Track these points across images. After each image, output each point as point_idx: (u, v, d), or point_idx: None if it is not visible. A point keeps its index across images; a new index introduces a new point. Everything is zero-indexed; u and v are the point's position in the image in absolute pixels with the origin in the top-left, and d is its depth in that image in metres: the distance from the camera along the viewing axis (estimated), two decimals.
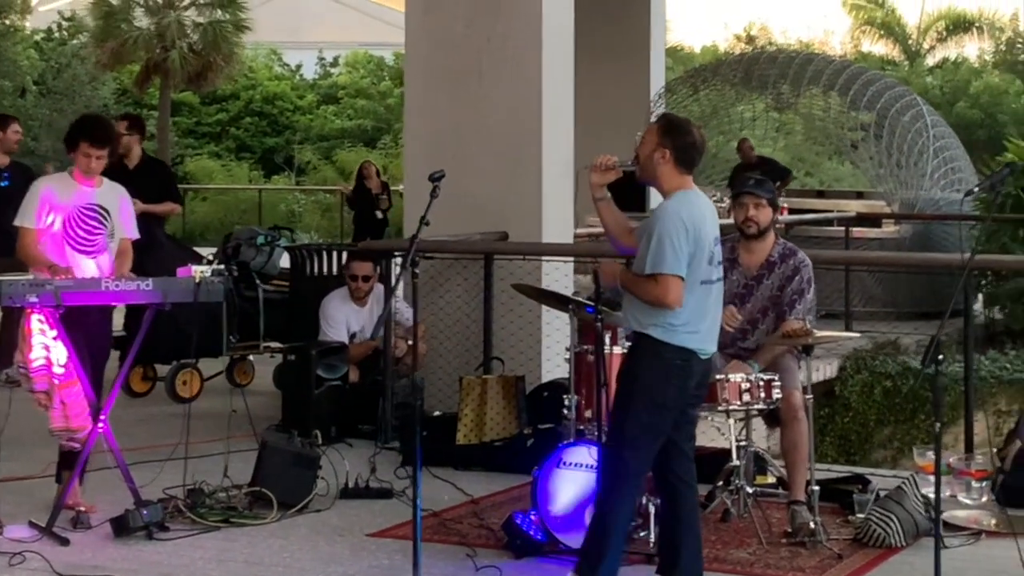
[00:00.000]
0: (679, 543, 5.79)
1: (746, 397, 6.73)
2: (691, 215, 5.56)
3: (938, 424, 5.40)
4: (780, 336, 6.91)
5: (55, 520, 6.73)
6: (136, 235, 7.38)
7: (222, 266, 7.25)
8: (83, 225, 7.04)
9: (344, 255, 10.82)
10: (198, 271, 6.90)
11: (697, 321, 5.60)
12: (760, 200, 7.07)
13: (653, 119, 17.82)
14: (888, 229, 16.18)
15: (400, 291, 9.84)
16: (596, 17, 17.82)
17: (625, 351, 7.06)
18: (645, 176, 5.76)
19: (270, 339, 10.98)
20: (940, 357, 5.30)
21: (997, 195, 5.55)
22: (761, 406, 6.81)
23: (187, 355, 9.95)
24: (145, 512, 6.68)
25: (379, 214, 18.30)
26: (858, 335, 10.25)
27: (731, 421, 6.93)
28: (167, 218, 10.71)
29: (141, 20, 34.50)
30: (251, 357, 11.27)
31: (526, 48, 9.71)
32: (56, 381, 6.68)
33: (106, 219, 7.10)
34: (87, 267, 7.01)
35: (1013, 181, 15.09)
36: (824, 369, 12.70)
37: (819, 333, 6.91)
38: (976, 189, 5.73)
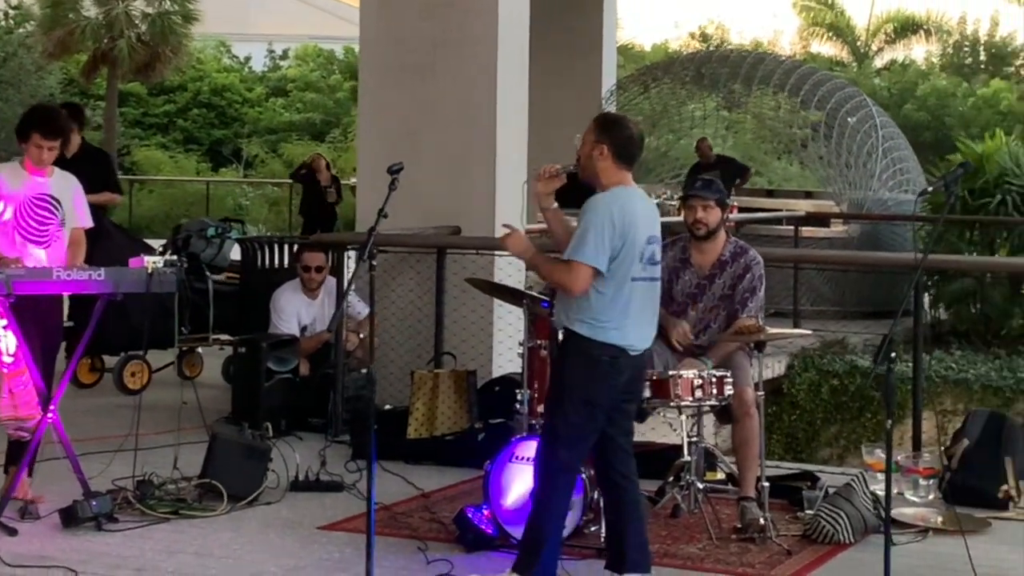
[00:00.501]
0: (624, 538, 5.83)
1: (698, 393, 6.76)
2: (622, 211, 5.58)
3: (889, 422, 5.44)
4: (733, 333, 6.95)
5: (3, 510, 6.66)
6: (90, 223, 7.33)
7: (175, 257, 7.17)
8: (34, 215, 6.99)
9: (295, 248, 10.77)
10: (151, 261, 6.85)
11: (624, 318, 5.62)
12: (708, 202, 7.10)
13: None
14: (837, 229, 16.30)
15: (352, 284, 9.80)
16: (549, 15, 17.80)
17: None
18: (586, 175, 5.79)
19: (219, 331, 10.95)
20: (892, 355, 5.33)
21: (951, 195, 5.58)
22: (713, 402, 6.84)
23: (136, 347, 9.89)
24: (94, 503, 6.64)
25: (326, 207, 18.22)
26: (809, 333, 10.31)
27: (683, 417, 6.96)
28: (109, 208, 10.58)
29: (89, 10, 34.19)
30: (200, 349, 11.20)
31: (481, 43, 9.71)
32: (4, 370, 6.62)
33: (57, 208, 7.05)
34: (38, 257, 6.96)
35: (964, 182, 15.26)
36: (772, 367, 12.76)
37: (771, 330, 6.97)
38: (931, 189, 5.76)
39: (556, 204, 5.99)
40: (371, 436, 5.43)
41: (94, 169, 9.90)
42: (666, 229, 11.83)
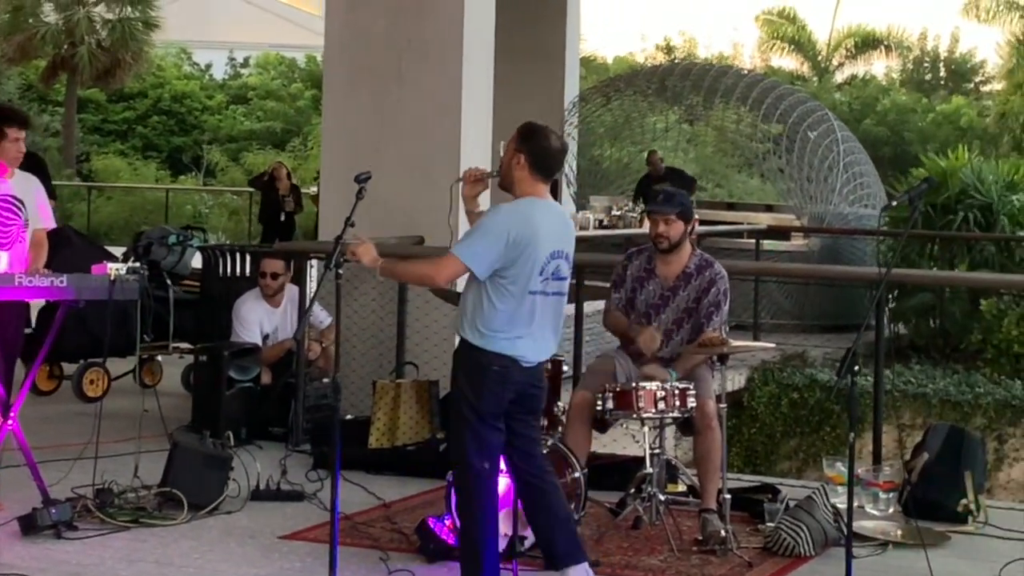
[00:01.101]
0: (552, 533, 5.79)
1: (661, 405, 6.77)
2: (522, 224, 5.50)
3: (852, 435, 5.46)
4: (697, 345, 6.96)
5: None
6: (52, 224, 7.30)
7: (138, 264, 7.14)
8: None
9: (258, 256, 10.73)
10: (113, 268, 6.81)
11: (518, 328, 5.55)
12: (668, 216, 7.11)
13: (567, 128, 18.03)
14: (797, 242, 16.37)
15: (312, 293, 9.78)
16: (511, 26, 17.79)
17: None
18: (505, 182, 5.72)
19: (179, 340, 10.89)
20: (856, 368, 5.36)
21: (915, 209, 5.61)
22: (676, 414, 6.85)
23: (95, 354, 9.83)
24: (53, 511, 6.58)
25: (283, 216, 18.20)
26: (772, 346, 10.35)
27: (646, 429, 6.96)
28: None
29: (49, 15, 34.04)
30: (159, 357, 11.14)
31: (447, 50, 9.72)
32: None
33: (20, 209, 7.00)
34: (1, 260, 6.91)
35: (926, 198, 15.35)
36: (733, 380, 12.79)
37: (735, 343, 6.99)
38: (895, 203, 5.79)
39: (481, 207, 5.98)
40: (336, 445, 5.40)
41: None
42: (629, 240, 11.87)
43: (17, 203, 6.99)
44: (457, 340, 5.71)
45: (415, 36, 9.76)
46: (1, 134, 6.94)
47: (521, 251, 5.49)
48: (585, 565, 5.79)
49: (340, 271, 5.45)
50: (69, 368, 10.62)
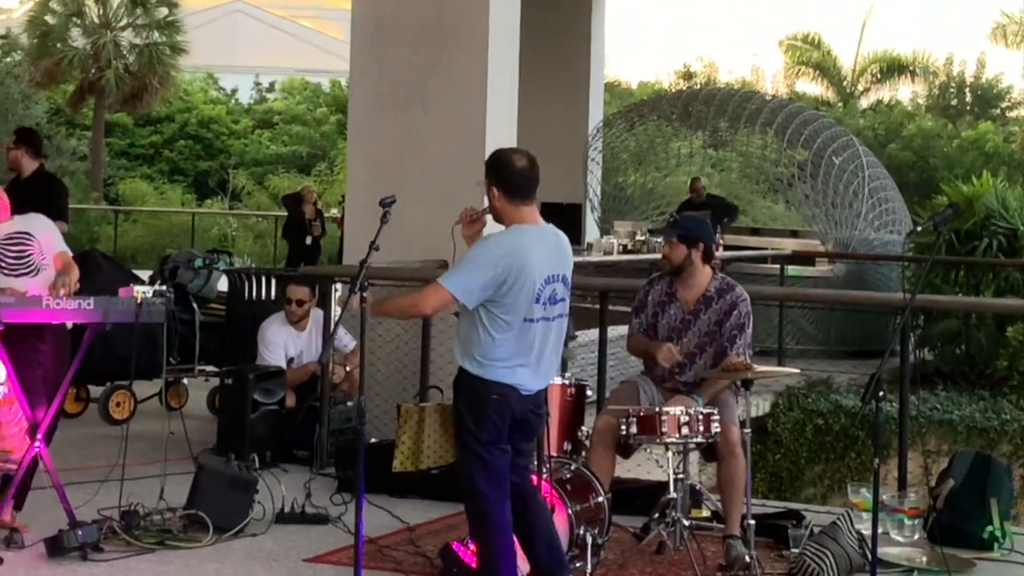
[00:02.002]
0: (535, 548, 5.83)
1: (685, 430, 6.77)
2: (510, 255, 5.51)
3: (876, 460, 5.45)
4: (721, 371, 6.95)
5: None
6: (66, 249, 7.29)
7: (164, 287, 7.18)
8: (9, 253, 6.98)
9: (283, 280, 10.78)
10: (140, 291, 6.85)
11: (517, 357, 5.58)
12: (670, 239, 7.17)
13: (591, 152, 18.06)
14: (822, 268, 16.34)
15: (336, 317, 9.81)
16: (535, 52, 17.92)
17: (565, 381, 7.14)
18: (496, 218, 5.73)
19: (205, 363, 10.93)
20: (881, 394, 5.36)
21: (940, 235, 5.62)
22: (700, 439, 6.84)
23: (122, 377, 9.87)
24: (80, 532, 6.61)
25: (308, 239, 18.30)
26: (797, 372, 10.33)
27: (669, 454, 6.96)
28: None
29: (77, 40, 34.31)
30: (185, 380, 11.19)
31: (471, 76, 9.75)
32: None
33: (30, 239, 7.03)
34: (29, 287, 6.94)
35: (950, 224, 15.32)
36: (758, 405, 12.77)
37: (759, 368, 6.98)
38: (919, 228, 5.79)
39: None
40: (360, 468, 5.42)
41: (46, 195, 9.77)
42: (653, 265, 11.84)
43: (25, 235, 7.03)
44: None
45: (439, 62, 9.80)
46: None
47: (513, 282, 5.50)
48: None
49: (365, 294, 5.46)
50: (96, 391, 10.66)
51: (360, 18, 10.25)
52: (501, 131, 9.86)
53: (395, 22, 9.99)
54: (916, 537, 7.44)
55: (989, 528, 7.38)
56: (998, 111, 40.99)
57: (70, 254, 7.29)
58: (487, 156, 9.43)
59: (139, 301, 6.82)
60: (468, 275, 5.50)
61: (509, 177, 5.64)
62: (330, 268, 12.42)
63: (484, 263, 5.49)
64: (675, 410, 6.80)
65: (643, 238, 15.57)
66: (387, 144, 9.96)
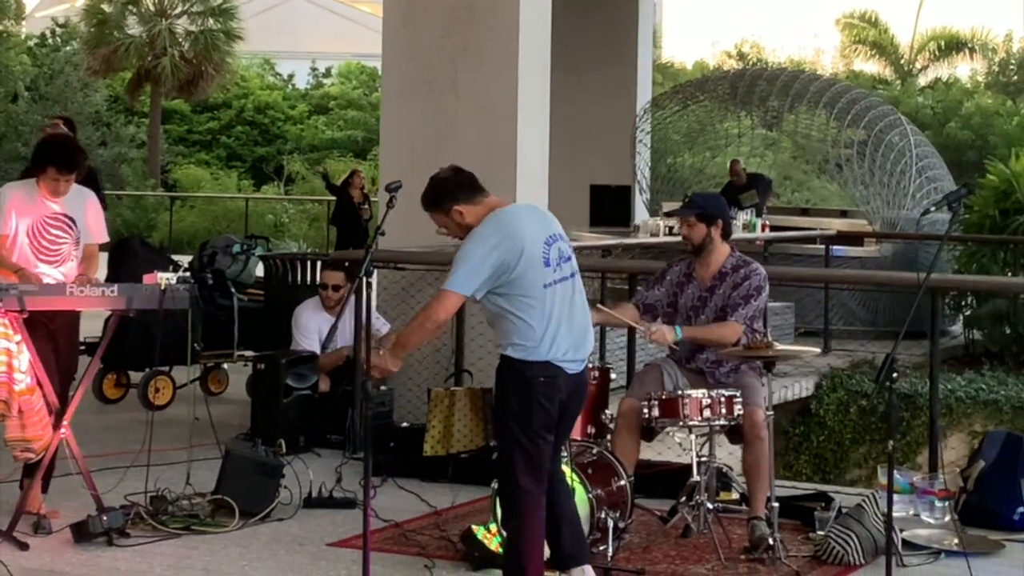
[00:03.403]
0: (559, 534, 5.82)
1: (707, 413, 6.76)
2: (502, 235, 5.48)
3: (891, 442, 5.41)
4: (743, 349, 6.90)
5: (15, 525, 6.71)
6: (104, 238, 7.39)
7: (188, 273, 7.22)
8: (47, 235, 7.05)
9: (319, 265, 10.82)
10: (163, 278, 6.90)
11: (552, 326, 5.53)
12: (688, 219, 7.12)
13: (638, 134, 17.99)
14: (869, 248, 16.21)
15: (374, 302, 9.85)
16: (583, 32, 17.92)
17: (590, 365, 7.12)
18: (463, 236, 5.63)
19: (245, 348, 10.99)
20: (895, 375, 5.32)
21: (955, 214, 5.57)
22: (722, 422, 6.83)
23: (161, 362, 9.96)
24: (105, 518, 6.68)
25: (362, 222, 18.39)
26: (819, 351, 10.26)
27: (693, 437, 6.94)
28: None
29: (133, 28, 34.63)
30: (225, 365, 11.27)
31: (502, 60, 9.74)
32: (16, 388, 6.62)
33: (72, 227, 7.10)
34: (52, 276, 7.01)
35: (995, 202, 15.17)
36: (800, 387, 12.71)
37: (779, 346, 6.94)
38: (932, 209, 5.75)
39: None
40: (367, 450, 5.46)
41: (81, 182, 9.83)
42: None
43: (68, 221, 7.09)
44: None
45: (470, 46, 9.79)
46: (43, 168, 6.99)
47: (517, 261, 5.47)
48: (587, 567, 5.85)
49: (370, 279, 5.48)
50: (136, 376, 10.75)
51: (391, 2, 10.26)
52: (532, 113, 9.84)
53: (425, 5, 9.99)
54: (946, 519, 7.38)
55: (1020, 509, 7.30)
56: None
57: (99, 243, 7.35)
58: (517, 138, 9.62)
59: (163, 288, 6.87)
60: (471, 272, 5.46)
61: (458, 187, 5.63)
62: (360, 253, 12.42)
63: (482, 255, 5.46)
64: (697, 393, 6.80)
65: None
66: (419, 129, 9.96)
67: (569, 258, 5.71)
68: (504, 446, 5.65)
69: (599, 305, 7.22)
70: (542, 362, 5.54)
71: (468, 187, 5.65)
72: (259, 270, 11.51)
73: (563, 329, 5.59)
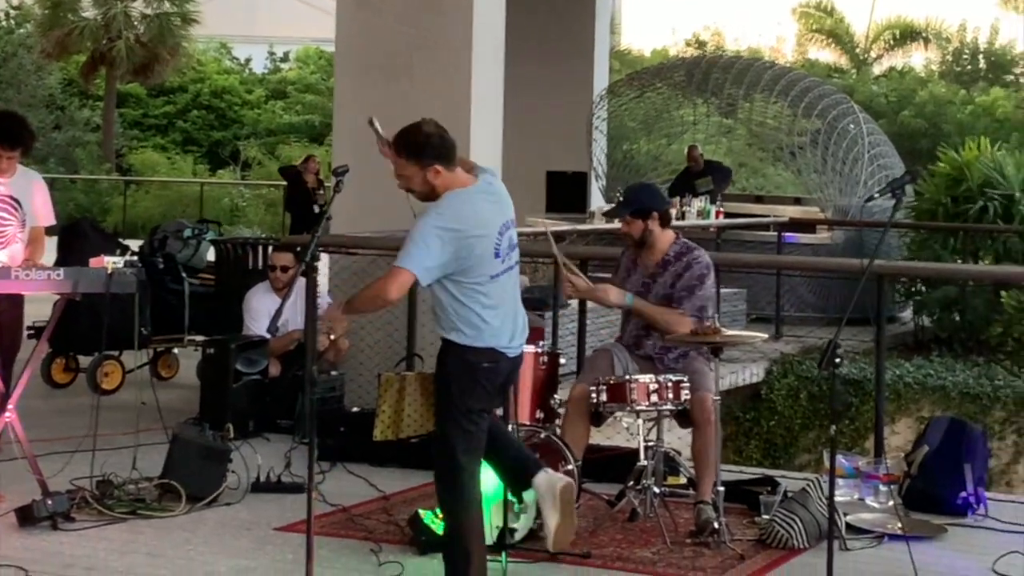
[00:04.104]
0: (512, 460, 5.96)
1: (654, 398, 6.81)
2: (458, 216, 5.37)
3: (833, 426, 5.49)
4: (691, 334, 6.94)
5: None
6: (51, 221, 7.37)
7: (135, 257, 7.19)
8: None
9: (270, 250, 10.80)
10: (110, 261, 6.87)
11: (498, 316, 5.52)
12: (623, 218, 7.20)
13: (595, 121, 18.01)
14: (821, 235, 16.29)
15: (324, 285, 9.84)
16: (540, 18, 17.93)
17: (537, 350, 7.16)
18: (430, 199, 5.50)
19: (196, 333, 10.96)
20: (838, 360, 5.36)
21: (899, 201, 5.61)
22: (670, 407, 6.87)
23: (110, 347, 9.91)
24: (50, 502, 6.65)
25: (316, 208, 18.35)
26: (766, 336, 10.31)
27: (640, 421, 6.99)
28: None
29: (88, 10, 34.36)
30: (176, 350, 11.23)
31: (457, 45, 9.74)
32: None
33: (17, 209, 7.07)
34: None
35: (946, 190, 15.28)
36: (751, 372, 12.78)
37: (728, 332, 6.98)
38: (877, 195, 5.79)
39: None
40: (311, 435, 5.51)
41: None
42: None
43: (13, 204, 7.06)
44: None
45: (425, 31, 9.79)
46: None
47: (470, 251, 5.39)
48: (546, 470, 5.93)
49: (316, 264, 5.47)
50: (86, 361, 10.70)
51: None
52: (487, 100, 9.85)
53: None
54: (890, 503, 7.44)
55: (963, 494, 7.38)
56: (1011, 77, 40.71)
57: (46, 225, 7.31)
58: (471, 125, 9.61)
59: (109, 272, 6.84)
60: (424, 252, 5.32)
61: (438, 147, 5.48)
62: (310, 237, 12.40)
63: (436, 237, 5.32)
64: (644, 378, 6.84)
65: None
66: (373, 113, 9.90)
67: (515, 246, 5.67)
68: (445, 426, 5.69)
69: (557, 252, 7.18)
70: (486, 348, 5.54)
71: (451, 152, 5.52)
72: (211, 255, 11.47)
73: (508, 318, 5.60)
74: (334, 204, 5.89)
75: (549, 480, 5.89)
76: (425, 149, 5.47)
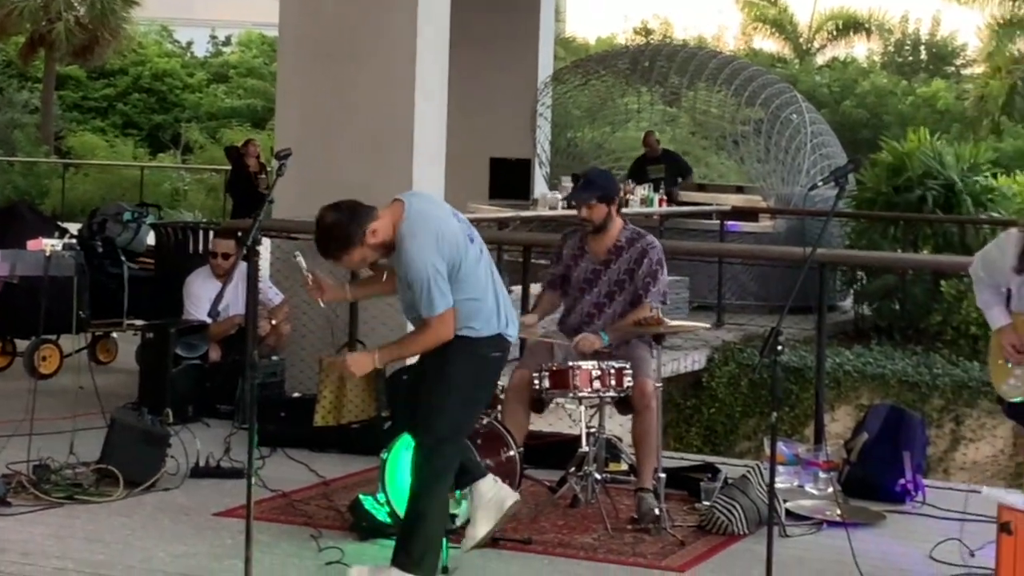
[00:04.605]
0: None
1: (596, 384, 6.80)
2: (427, 235, 5.43)
3: (775, 414, 5.46)
4: (634, 324, 6.96)
5: None
6: None
7: (75, 240, 7.12)
8: None
9: (211, 234, 10.71)
10: (48, 244, 6.80)
11: (492, 298, 5.59)
12: (589, 202, 7.12)
13: (539, 108, 18.00)
14: (764, 224, 16.36)
15: (265, 271, 9.78)
16: (485, 4, 17.88)
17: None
18: (386, 254, 5.59)
19: (135, 317, 10.85)
20: (780, 348, 5.37)
21: (842, 189, 5.64)
22: (612, 394, 6.87)
23: (48, 330, 9.81)
24: None
25: (257, 193, 18.21)
26: (709, 326, 10.37)
27: (582, 408, 6.98)
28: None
29: None
30: (115, 334, 11.13)
31: (401, 30, 9.68)
32: None
33: None
34: None
35: (887, 179, 15.38)
36: (693, 360, 12.83)
37: (671, 323, 6.99)
38: (820, 183, 5.81)
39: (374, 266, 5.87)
40: (252, 420, 5.45)
41: None
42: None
43: None
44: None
45: (370, 15, 9.72)
46: None
47: (456, 249, 5.50)
48: (495, 479, 5.97)
49: (258, 248, 5.43)
50: (23, 345, 10.57)
51: None
52: (431, 83, 9.81)
53: None
54: (829, 490, 7.48)
55: (901, 481, 7.43)
56: (952, 69, 41.10)
57: None
58: (415, 107, 9.56)
59: (48, 254, 6.77)
60: (439, 286, 5.41)
61: (356, 217, 5.49)
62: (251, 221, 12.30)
63: (430, 266, 5.40)
64: (587, 364, 6.83)
65: None
66: (316, 97, 9.88)
67: (475, 237, 5.71)
68: (435, 417, 5.60)
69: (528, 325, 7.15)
70: (496, 336, 5.59)
71: (363, 210, 5.53)
72: (150, 239, 11.36)
73: (502, 299, 5.67)
74: (276, 188, 5.85)
75: (498, 494, 5.92)
76: (349, 231, 5.48)
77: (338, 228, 5.50)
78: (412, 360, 9.00)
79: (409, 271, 5.46)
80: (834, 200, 5.65)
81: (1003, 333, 5.93)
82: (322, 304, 5.84)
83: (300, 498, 7.12)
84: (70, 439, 7.37)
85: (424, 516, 5.62)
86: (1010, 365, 5.93)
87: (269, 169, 18.42)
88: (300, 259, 5.76)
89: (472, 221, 12.53)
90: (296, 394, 8.93)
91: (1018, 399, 6.00)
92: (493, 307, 5.60)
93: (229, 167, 20.19)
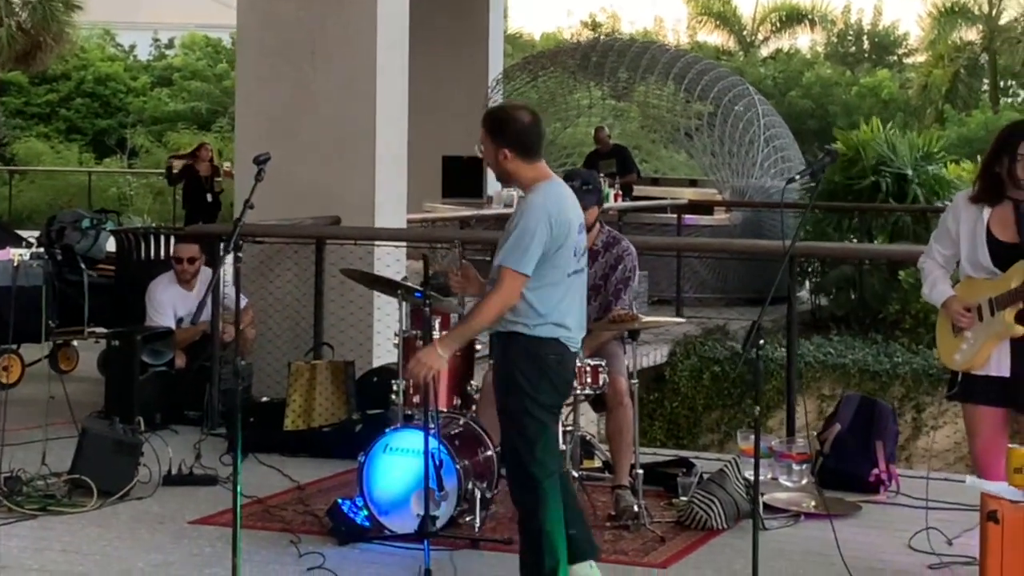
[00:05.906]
0: (569, 529, 5.49)
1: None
2: (557, 208, 5.27)
3: (757, 408, 5.48)
4: (608, 322, 6.96)
5: None
6: None
7: (42, 249, 7.04)
8: None
9: (172, 239, 10.63)
10: (16, 254, 6.72)
11: (565, 314, 5.36)
12: (590, 207, 7.05)
13: (490, 104, 17.99)
14: (719, 217, 16.42)
15: (228, 276, 9.71)
16: (435, 2, 17.83)
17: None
18: (502, 179, 5.47)
19: (96, 324, 10.75)
20: (761, 342, 5.36)
21: (818, 182, 5.65)
22: (588, 391, 6.85)
23: (3, 340, 9.71)
24: None
25: (209, 197, 18.11)
26: (683, 321, 10.39)
27: None
28: None
29: None
30: (75, 343, 11.02)
31: (361, 32, 9.65)
32: None
33: None
34: None
35: (841, 170, 15.48)
36: (654, 354, 12.85)
37: (645, 318, 7.00)
38: (799, 176, 5.82)
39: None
40: (238, 427, 5.37)
41: None
42: None
43: None
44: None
45: (329, 17, 9.68)
46: None
47: (562, 241, 5.27)
48: (591, 564, 5.57)
49: (240, 253, 5.38)
50: None
51: None
52: (392, 84, 9.78)
53: None
54: (804, 482, 7.51)
55: (875, 471, 7.46)
56: (895, 58, 41.43)
57: None
58: (376, 110, 9.52)
59: (16, 264, 6.69)
60: (532, 247, 5.17)
61: (519, 134, 5.32)
62: (218, 227, 12.23)
63: (540, 229, 5.18)
64: None
65: None
66: (276, 100, 9.84)
67: (585, 252, 5.55)
68: (517, 421, 5.34)
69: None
70: (552, 339, 5.34)
71: (531, 146, 5.34)
72: (110, 245, 11.25)
73: (573, 319, 5.42)
74: (236, 193, 5.81)
75: None
76: (503, 130, 5.34)
77: (508, 122, 5.35)
78: (378, 362, 9.08)
79: (523, 216, 5.24)
80: (812, 193, 5.64)
81: (950, 304, 5.90)
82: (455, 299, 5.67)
83: (276, 503, 7.07)
84: (40, 449, 7.29)
85: (542, 536, 5.30)
86: (962, 332, 5.86)
87: (224, 171, 18.29)
88: (461, 248, 5.65)
89: (422, 221, 12.58)
90: (264, 398, 8.87)
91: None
92: (567, 318, 5.36)
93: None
